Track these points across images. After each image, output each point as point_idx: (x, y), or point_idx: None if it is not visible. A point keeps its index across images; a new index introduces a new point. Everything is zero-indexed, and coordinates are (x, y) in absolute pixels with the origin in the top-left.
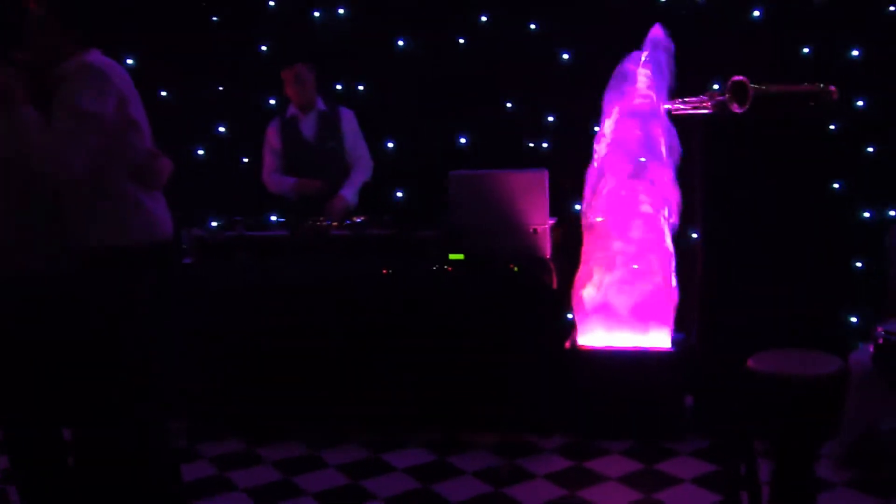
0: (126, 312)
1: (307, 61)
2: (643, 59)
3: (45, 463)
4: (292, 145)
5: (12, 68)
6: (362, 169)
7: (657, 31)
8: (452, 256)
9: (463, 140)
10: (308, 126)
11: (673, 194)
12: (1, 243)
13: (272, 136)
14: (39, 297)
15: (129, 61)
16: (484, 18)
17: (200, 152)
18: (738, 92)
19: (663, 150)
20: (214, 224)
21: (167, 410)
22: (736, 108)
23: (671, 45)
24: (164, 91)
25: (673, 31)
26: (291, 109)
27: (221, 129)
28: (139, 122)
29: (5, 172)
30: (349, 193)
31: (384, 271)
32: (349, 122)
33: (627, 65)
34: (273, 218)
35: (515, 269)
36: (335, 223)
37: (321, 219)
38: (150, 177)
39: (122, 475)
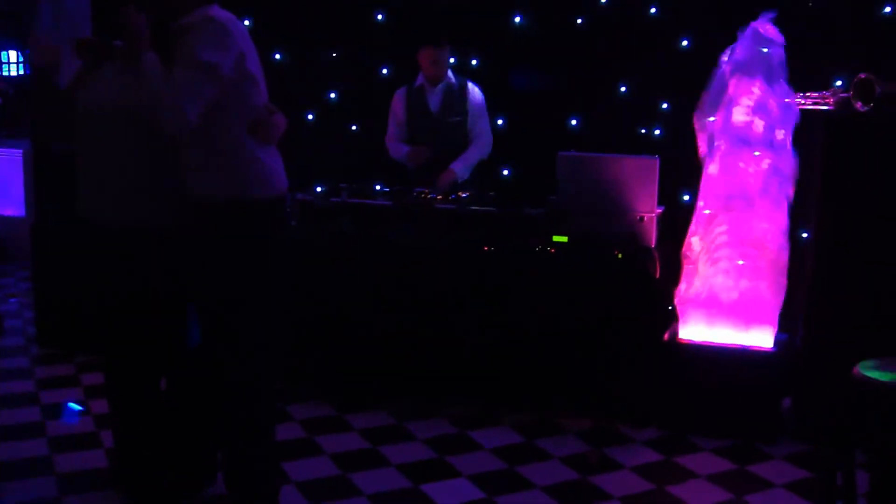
0: (245, 264)
1: (445, 47)
2: (760, 50)
3: (145, 412)
4: (416, 115)
5: (143, 14)
6: (480, 146)
7: (768, 24)
8: (556, 238)
9: (574, 121)
10: (434, 98)
11: (787, 189)
12: (123, 194)
13: (397, 105)
14: (158, 249)
15: (246, 22)
16: (604, 0)
17: (310, 117)
18: (864, 89)
19: (779, 143)
20: (319, 189)
21: (277, 368)
22: (860, 107)
23: (780, 38)
24: (277, 54)
25: (795, 24)
26: (420, 79)
27: (332, 95)
28: (256, 77)
29: (128, 122)
30: (460, 167)
31: (486, 248)
32: (476, 97)
33: (740, 54)
34: (378, 187)
35: (620, 255)
36: (439, 196)
37: (426, 191)
38: (265, 131)
39: (229, 421)
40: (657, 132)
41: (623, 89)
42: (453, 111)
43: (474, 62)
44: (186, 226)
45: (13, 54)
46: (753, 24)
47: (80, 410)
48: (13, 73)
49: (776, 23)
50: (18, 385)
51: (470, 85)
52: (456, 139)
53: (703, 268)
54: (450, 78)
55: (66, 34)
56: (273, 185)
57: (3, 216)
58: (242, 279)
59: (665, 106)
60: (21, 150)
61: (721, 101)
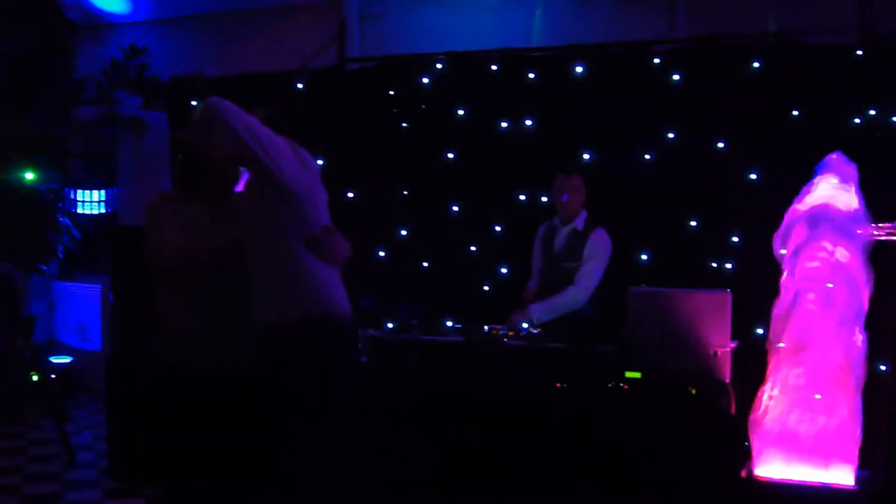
0: (314, 385)
1: (573, 175)
2: (832, 180)
3: None
4: (544, 253)
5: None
6: (572, 292)
7: (839, 156)
8: (629, 374)
9: (644, 256)
10: (560, 240)
11: (862, 322)
12: (208, 334)
13: (536, 239)
14: (239, 389)
15: (319, 161)
16: (671, 135)
17: (381, 254)
18: None
19: (854, 275)
20: (390, 326)
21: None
22: None
23: (853, 170)
24: (349, 192)
25: (865, 155)
26: (556, 219)
27: (403, 232)
28: (322, 196)
29: (213, 262)
30: (538, 310)
31: (557, 385)
32: (594, 245)
33: (815, 184)
34: (449, 323)
35: (693, 391)
36: (511, 332)
37: (497, 328)
38: (324, 248)
39: None
40: (728, 266)
41: (692, 223)
42: (571, 256)
43: (544, 200)
44: (259, 355)
45: (95, 193)
46: (827, 161)
47: None
48: (94, 211)
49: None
50: None
51: (598, 232)
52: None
53: (778, 403)
54: (577, 223)
55: (146, 177)
56: (333, 305)
57: (81, 349)
58: (313, 401)
59: (736, 239)
60: (99, 286)
61: (791, 241)
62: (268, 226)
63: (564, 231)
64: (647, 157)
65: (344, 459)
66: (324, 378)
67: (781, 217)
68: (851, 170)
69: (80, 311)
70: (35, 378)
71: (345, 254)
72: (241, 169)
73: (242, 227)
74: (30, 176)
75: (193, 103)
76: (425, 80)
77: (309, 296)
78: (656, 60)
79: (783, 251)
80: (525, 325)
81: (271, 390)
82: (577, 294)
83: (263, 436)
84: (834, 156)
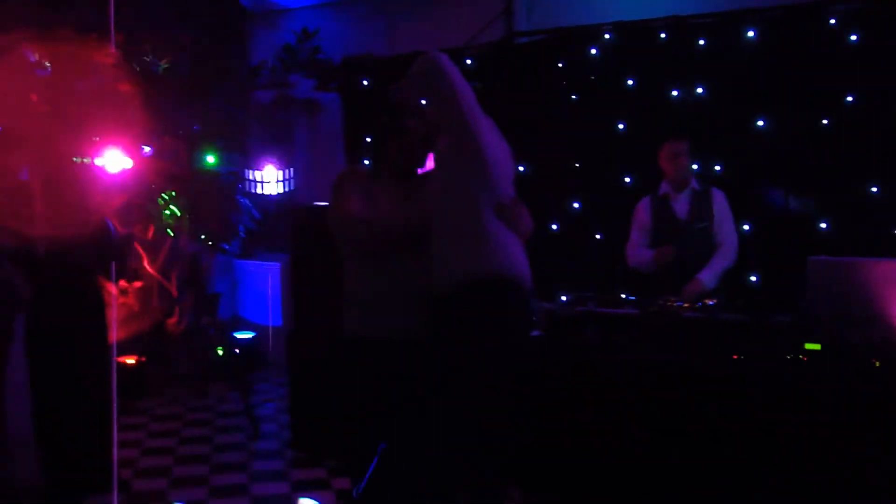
0: (493, 343)
1: (686, 139)
2: None
3: None
4: (663, 223)
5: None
6: (726, 253)
7: None
8: (808, 346)
9: (823, 224)
10: (681, 205)
11: None
12: (398, 307)
13: (642, 213)
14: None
15: None
16: (850, 99)
17: (555, 227)
18: None
19: None
20: (564, 298)
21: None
22: None
23: None
24: (521, 166)
25: None
26: (664, 187)
27: (576, 205)
28: (510, 171)
29: (404, 236)
30: (707, 276)
31: (735, 357)
32: (721, 203)
33: None
34: (623, 295)
35: (877, 363)
36: (686, 304)
37: (672, 299)
38: (514, 219)
39: None
40: None
41: (874, 189)
42: (700, 217)
43: (717, 168)
44: (437, 318)
45: (274, 174)
46: None
47: None
48: (273, 191)
49: None
50: (275, 487)
51: (714, 190)
52: (702, 246)
53: None
54: (693, 184)
55: (322, 156)
56: (520, 270)
57: (262, 325)
58: (491, 359)
59: None
60: (279, 263)
61: None
62: (459, 194)
63: (683, 195)
64: (825, 121)
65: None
66: (504, 334)
67: None
68: None
69: (261, 287)
70: (220, 353)
71: (529, 227)
72: (430, 147)
73: (431, 202)
74: (211, 159)
75: (364, 83)
76: (594, 52)
77: (497, 259)
78: (832, 21)
79: None
80: (710, 302)
81: (451, 354)
82: (733, 253)
83: (444, 401)
84: None
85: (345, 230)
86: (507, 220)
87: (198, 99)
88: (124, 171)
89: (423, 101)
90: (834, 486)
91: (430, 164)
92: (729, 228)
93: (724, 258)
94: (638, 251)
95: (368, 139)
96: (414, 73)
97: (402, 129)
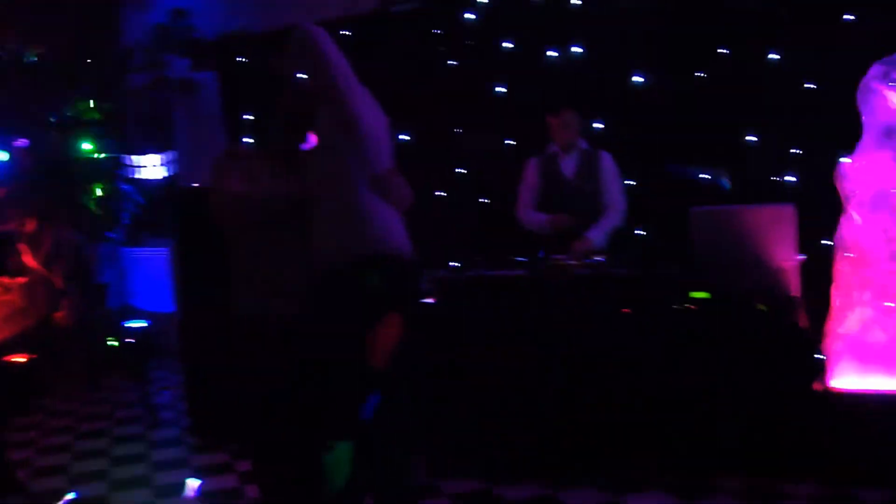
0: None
1: (571, 108)
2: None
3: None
4: (550, 183)
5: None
6: (614, 214)
7: None
8: (696, 295)
9: (704, 176)
10: (568, 165)
11: None
12: (279, 284)
13: (530, 173)
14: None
15: None
16: (723, 51)
17: (440, 193)
18: None
19: None
20: (454, 264)
21: (415, 441)
22: None
23: None
24: (402, 134)
25: None
26: (553, 147)
27: (460, 170)
28: (388, 142)
29: (284, 214)
30: (595, 235)
31: (625, 310)
32: (609, 165)
33: (872, 82)
34: (513, 257)
35: (763, 307)
36: (575, 262)
37: (561, 258)
38: (391, 191)
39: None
40: (791, 178)
41: (751, 139)
42: (587, 178)
43: (599, 126)
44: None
45: (154, 158)
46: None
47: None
48: (155, 175)
49: None
50: (177, 475)
51: (602, 153)
52: (589, 206)
53: (850, 313)
54: (581, 145)
55: (203, 137)
56: (397, 244)
57: (155, 312)
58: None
59: (796, 151)
60: (167, 249)
61: (857, 151)
62: (336, 169)
63: (571, 157)
64: (701, 74)
65: (409, 401)
66: (384, 315)
67: (843, 125)
68: None
69: (152, 274)
70: (113, 343)
71: (408, 198)
72: (310, 122)
73: (310, 177)
74: (88, 146)
75: (241, 60)
76: (470, 16)
77: (374, 235)
78: None
79: (849, 161)
80: (599, 258)
81: (333, 331)
82: (620, 214)
83: (331, 378)
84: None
85: (225, 209)
86: (382, 193)
87: (70, 85)
88: None
89: (301, 76)
90: (725, 429)
91: (313, 140)
92: (616, 189)
93: (612, 219)
94: (531, 215)
95: (249, 117)
96: (289, 47)
97: (280, 105)
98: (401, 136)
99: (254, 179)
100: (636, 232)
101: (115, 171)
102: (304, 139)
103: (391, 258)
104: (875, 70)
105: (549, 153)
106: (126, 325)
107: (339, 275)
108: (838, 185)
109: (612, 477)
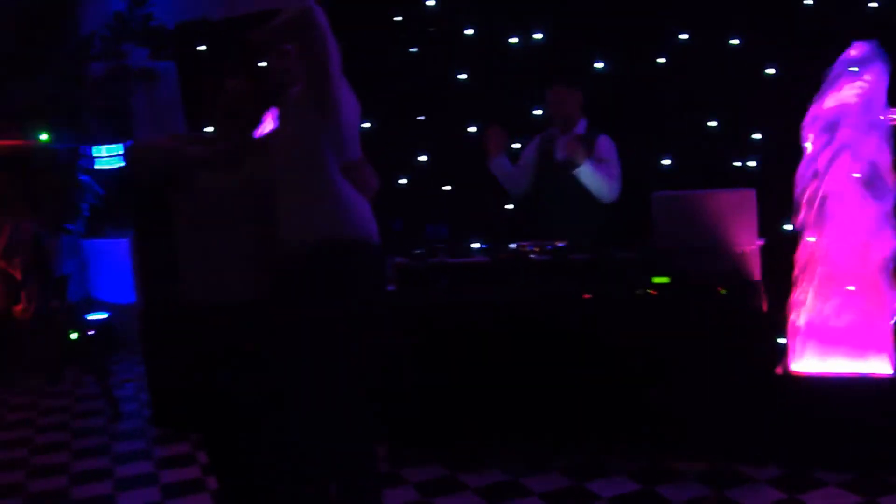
0: (342, 310)
1: (567, 86)
2: (853, 68)
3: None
4: (544, 164)
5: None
6: (609, 181)
7: (864, 44)
8: (657, 279)
9: (666, 161)
10: (562, 146)
11: (890, 210)
12: (233, 270)
13: (528, 149)
14: (262, 320)
15: None
16: (683, 36)
17: (402, 182)
18: None
19: (880, 164)
20: (417, 251)
21: (375, 431)
22: None
23: (882, 57)
24: (365, 122)
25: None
26: (553, 129)
27: (422, 157)
28: (357, 129)
29: (238, 200)
30: (590, 164)
31: (585, 296)
32: (605, 146)
33: (836, 72)
34: (475, 245)
35: (723, 291)
36: (536, 249)
37: (523, 245)
38: (361, 178)
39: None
40: (751, 163)
41: (712, 123)
42: (578, 161)
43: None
44: (282, 280)
45: (114, 148)
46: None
47: None
48: (114, 165)
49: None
50: (138, 467)
51: (601, 137)
52: (577, 191)
53: (811, 297)
54: (579, 128)
55: (162, 126)
56: (369, 231)
57: (117, 304)
58: (341, 326)
59: (757, 136)
60: (128, 240)
61: (816, 138)
62: (309, 150)
63: (567, 139)
64: (661, 60)
65: (366, 388)
66: (349, 300)
67: (801, 110)
68: (873, 57)
69: (113, 266)
70: (74, 336)
71: (375, 186)
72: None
73: (275, 158)
74: (45, 137)
75: (201, 48)
76: (431, 3)
77: (346, 219)
78: None
79: (808, 145)
80: (560, 244)
81: (295, 316)
82: (614, 183)
83: (288, 365)
84: (853, 49)
85: (177, 198)
86: (354, 181)
87: (27, 74)
88: None
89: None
90: (687, 413)
91: (266, 125)
92: (611, 169)
93: (605, 174)
94: (499, 161)
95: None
96: (285, 21)
97: (256, 72)
98: (364, 124)
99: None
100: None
101: (74, 162)
102: (260, 118)
103: (362, 243)
104: (843, 61)
105: (548, 133)
106: (87, 317)
107: (308, 257)
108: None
109: (574, 462)
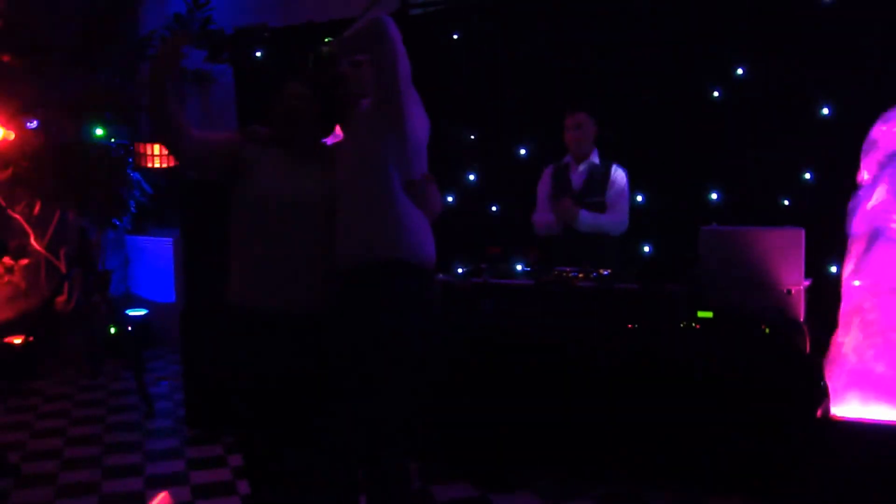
0: (391, 328)
1: (582, 111)
2: None
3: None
4: (559, 194)
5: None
6: (613, 217)
7: None
8: (701, 314)
9: (714, 195)
10: (577, 176)
11: None
12: (294, 279)
13: (544, 181)
14: (317, 331)
15: None
16: (740, 71)
17: (450, 199)
18: None
19: None
20: (461, 270)
21: (411, 447)
22: None
23: None
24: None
25: None
26: (567, 157)
27: (472, 176)
28: (425, 148)
29: (304, 210)
30: (585, 215)
31: (629, 326)
32: (619, 180)
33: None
34: (519, 267)
35: (767, 330)
36: (581, 275)
37: (567, 270)
38: (424, 197)
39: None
40: (801, 202)
41: (763, 160)
42: (594, 191)
43: (610, 137)
44: (342, 295)
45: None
46: None
47: None
48: (164, 165)
49: None
50: (170, 466)
51: (615, 167)
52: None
53: (855, 342)
54: (593, 159)
55: (214, 129)
56: (425, 253)
57: (155, 302)
58: (388, 343)
59: (808, 176)
60: (171, 239)
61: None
62: (372, 165)
63: (582, 169)
64: (716, 94)
65: (411, 409)
66: (403, 320)
67: (855, 151)
68: None
69: (154, 263)
70: (113, 331)
71: (439, 206)
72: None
73: (341, 171)
74: (99, 132)
75: (258, 54)
76: (489, 23)
77: (400, 241)
78: None
79: (864, 176)
80: (605, 272)
81: (349, 331)
82: (618, 221)
83: (336, 379)
84: None
85: (240, 201)
86: (416, 198)
87: (85, 70)
88: (6, 144)
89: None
90: (723, 450)
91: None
92: (621, 203)
93: (609, 218)
94: (540, 215)
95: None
96: (357, 32)
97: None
98: None
99: (275, 173)
100: (643, 247)
101: (125, 158)
102: (331, 131)
103: (417, 267)
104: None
105: (563, 163)
106: (127, 312)
107: (364, 275)
108: (855, 213)
109: (611, 492)
